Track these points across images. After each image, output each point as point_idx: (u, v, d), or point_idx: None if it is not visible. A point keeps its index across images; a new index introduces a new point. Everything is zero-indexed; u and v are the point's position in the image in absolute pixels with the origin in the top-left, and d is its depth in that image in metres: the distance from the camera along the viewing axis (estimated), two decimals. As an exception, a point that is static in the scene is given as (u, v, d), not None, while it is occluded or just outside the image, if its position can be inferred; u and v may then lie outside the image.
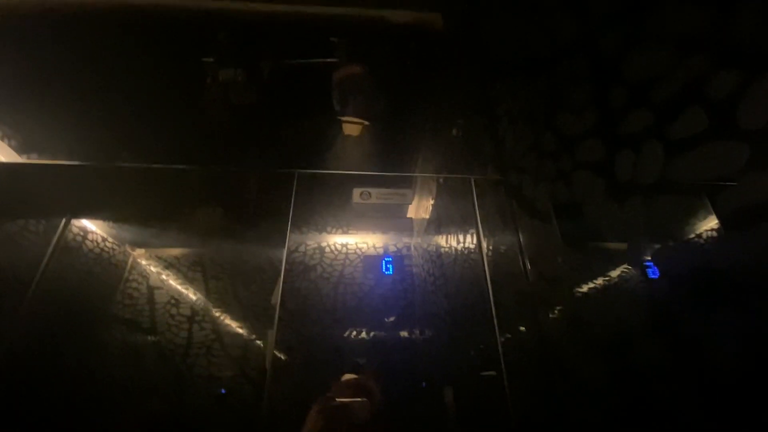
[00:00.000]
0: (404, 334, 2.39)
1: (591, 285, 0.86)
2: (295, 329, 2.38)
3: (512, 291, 1.16)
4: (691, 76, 0.60)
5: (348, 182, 1.62)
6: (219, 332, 2.44)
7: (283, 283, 1.68)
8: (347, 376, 1.17)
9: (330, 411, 0.90)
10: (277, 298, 1.63)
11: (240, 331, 2.47)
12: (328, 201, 1.99)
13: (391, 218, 1.57)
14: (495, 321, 1.19)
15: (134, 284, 2.54)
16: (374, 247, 2.63)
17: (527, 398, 1.07)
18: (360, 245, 2.63)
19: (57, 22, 1.40)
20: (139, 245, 2.63)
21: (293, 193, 1.64)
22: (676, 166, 0.62)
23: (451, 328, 1.69)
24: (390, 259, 2.06)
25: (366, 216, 1.53)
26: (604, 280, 0.82)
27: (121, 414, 1.98)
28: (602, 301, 0.82)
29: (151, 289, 2.55)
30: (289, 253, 2.58)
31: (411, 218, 1.87)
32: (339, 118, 1.73)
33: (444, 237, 1.84)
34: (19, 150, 1.63)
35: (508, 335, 1.18)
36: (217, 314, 2.50)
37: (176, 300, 2.53)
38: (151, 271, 2.61)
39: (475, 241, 1.35)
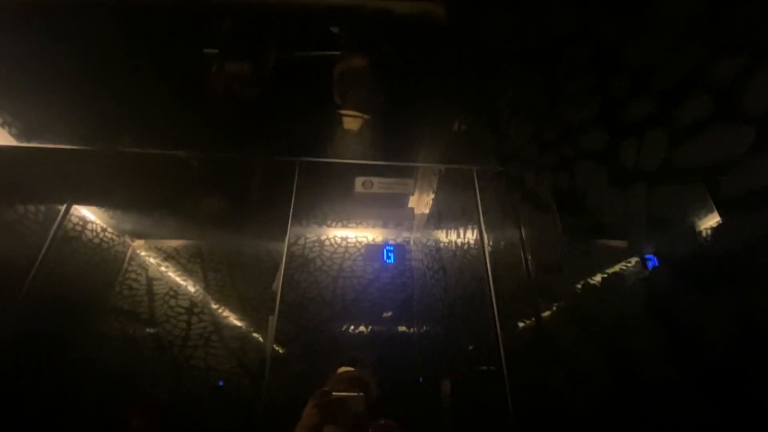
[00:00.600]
0: (403, 328, 2.39)
1: (592, 276, 0.86)
2: (294, 321, 2.39)
3: (513, 282, 1.16)
4: (694, 62, 0.60)
5: (350, 171, 1.62)
6: (217, 324, 2.44)
7: (283, 274, 1.68)
8: (343, 369, 1.17)
9: (326, 405, 0.90)
10: (278, 285, 1.63)
11: (238, 323, 2.47)
12: (330, 190, 1.99)
13: (393, 208, 1.57)
14: (495, 311, 1.19)
15: (133, 275, 2.54)
16: (374, 241, 2.63)
17: (526, 390, 1.07)
18: (360, 239, 2.63)
19: (58, 7, 1.39)
20: (139, 236, 2.63)
21: (295, 182, 1.63)
22: (680, 152, 0.62)
23: (450, 321, 1.69)
24: (391, 247, 2.06)
25: (367, 205, 1.53)
26: (604, 271, 0.82)
27: (119, 404, 1.97)
28: (603, 292, 0.82)
29: (150, 281, 2.55)
30: (290, 245, 2.57)
31: (412, 208, 1.87)
32: (339, 112, 1.72)
33: (445, 229, 1.84)
34: (20, 137, 1.62)
35: (509, 326, 1.18)
36: (216, 306, 2.50)
37: (175, 292, 2.53)
38: (150, 263, 2.61)
39: (476, 232, 1.34)
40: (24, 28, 1.44)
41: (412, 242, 2.62)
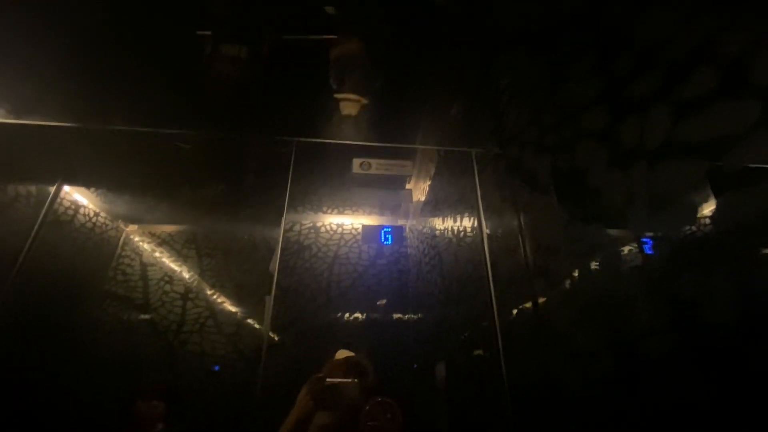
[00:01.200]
0: (398, 315, 2.40)
1: (590, 257, 0.86)
2: (290, 306, 2.38)
3: (510, 265, 1.16)
4: (702, 35, 0.59)
5: (348, 152, 1.61)
6: (213, 310, 2.43)
7: (279, 258, 1.66)
8: (342, 353, 1.17)
9: (319, 392, 0.90)
10: (275, 266, 1.62)
11: (233, 309, 2.47)
12: (327, 172, 1.96)
13: (390, 190, 1.56)
14: (492, 294, 1.19)
15: (127, 260, 2.51)
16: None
17: (524, 373, 1.08)
18: (356, 226, 2.62)
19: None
20: (132, 221, 2.60)
21: (291, 163, 1.61)
22: (683, 128, 0.61)
23: (446, 307, 1.70)
24: (389, 229, 2.06)
25: (365, 187, 1.51)
26: (603, 252, 0.82)
27: (114, 390, 1.97)
28: (601, 273, 0.82)
29: (144, 266, 2.53)
30: (286, 230, 2.56)
31: (410, 190, 1.86)
32: (336, 96, 1.69)
33: (441, 215, 1.84)
34: (8, 115, 1.58)
35: (506, 310, 1.18)
36: (211, 292, 2.49)
37: (170, 277, 2.51)
38: (144, 248, 2.58)
39: (473, 216, 1.34)
40: (15, 5, 1.39)
41: (408, 229, 2.61)
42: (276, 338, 2.30)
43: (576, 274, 0.90)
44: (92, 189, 2.27)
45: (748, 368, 0.51)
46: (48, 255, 1.99)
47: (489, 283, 1.21)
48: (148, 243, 2.60)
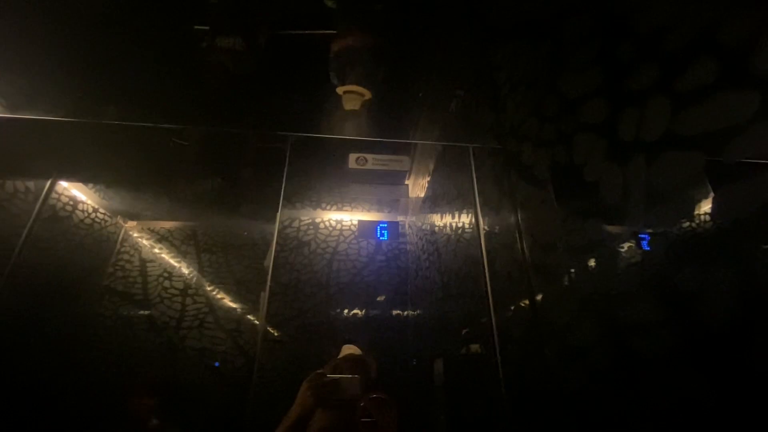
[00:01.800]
0: (397, 311, 2.40)
1: (588, 252, 0.85)
2: (288, 303, 2.39)
3: (508, 261, 1.15)
4: (703, 24, 0.58)
5: (343, 148, 1.59)
6: (212, 306, 2.44)
7: (278, 256, 1.66)
8: (347, 348, 1.17)
9: (320, 388, 0.90)
10: (269, 261, 1.62)
11: (233, 304, 2.47)
12: (324, 168, 1.95)
13: (388, 185, 1.55)
14: (489, 290, 1.18)
15: (126, 257, 2.51)
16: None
17: (520, 369, 1.07)
18: (355, 222, 2.61)
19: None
20: (131, 217, 2.60)
21: (287, 158, 1.60)
22: (683, 119, 0.60)
23: (444, 303, 1.69)
24: (385, 224, 2.05)
25: (361, 183, 1.50)
26: (600, 246, 0.81)
27: (113, 386, 1.97)
28: (598, 268, 0.81)
29: (143, 262, 2.53)
30: (284, 226, 2.56)
31: (407, 185, 1.85)
32: (338, 91, 1.67)
33: (440, 211, 1.83)
34: (3, 110, 1.57)
35: (503, 306, 1.18)
36: (210, 288, 2.49)
37: (169, 273, 2.51)
38: (144, 244, 2.58)
39: (471, 212, 1.33)
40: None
41: (407, 226, 2.61)
42: (275, 334, 2.30)
43: (573, 270, 0.89)
44: (90, 185, 2.27)
45: (746, 364, 0.50)
46: (46, 251, 1.99)
47: (486, 280, 1.20)
48: (147, 239, 2.60)
